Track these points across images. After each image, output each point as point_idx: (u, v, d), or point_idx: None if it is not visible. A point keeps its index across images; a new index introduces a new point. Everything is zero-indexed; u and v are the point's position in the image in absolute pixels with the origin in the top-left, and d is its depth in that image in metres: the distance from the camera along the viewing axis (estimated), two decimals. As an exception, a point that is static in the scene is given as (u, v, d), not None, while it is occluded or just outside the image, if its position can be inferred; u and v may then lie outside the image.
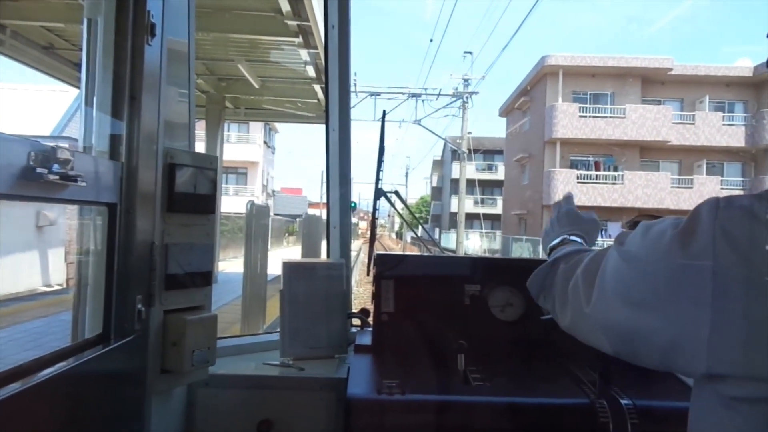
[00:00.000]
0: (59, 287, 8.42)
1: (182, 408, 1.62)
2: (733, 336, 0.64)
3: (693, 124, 26.49)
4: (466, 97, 22.94)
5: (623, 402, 1.36)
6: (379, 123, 2.23)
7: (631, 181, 26.12)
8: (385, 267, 1.85)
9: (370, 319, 1.91)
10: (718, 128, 26.34)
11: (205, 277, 1.49)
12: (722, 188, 25.95)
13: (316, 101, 10.84)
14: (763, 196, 0.68)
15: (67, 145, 1.05)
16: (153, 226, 1.34)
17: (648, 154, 27.36)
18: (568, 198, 1.46)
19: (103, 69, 1.31)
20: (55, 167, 0.98)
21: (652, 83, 27.00)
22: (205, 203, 1.47)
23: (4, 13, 6.70)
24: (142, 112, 1.29)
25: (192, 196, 1.42)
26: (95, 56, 1.33)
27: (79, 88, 1.41)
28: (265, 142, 36.04)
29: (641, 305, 0.76)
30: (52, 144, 0.99)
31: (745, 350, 0.63)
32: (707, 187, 25.91)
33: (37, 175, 0.94)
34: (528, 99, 30.24)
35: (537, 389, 1.49)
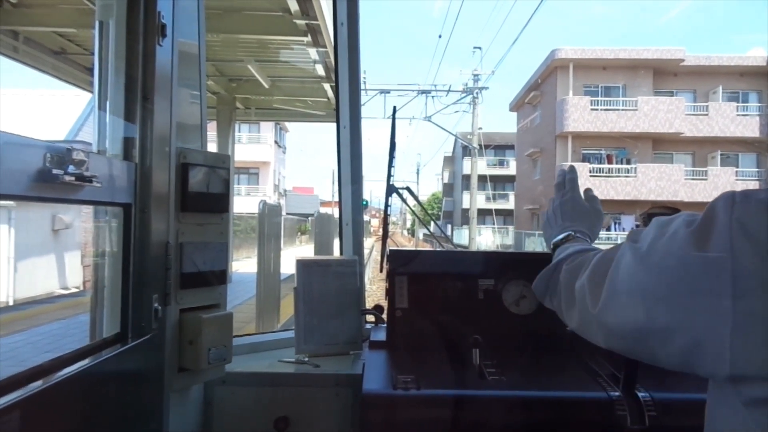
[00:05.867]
0: (77, 290, 8.51)
1: (200, 406, 1.63)
2: (757, 336, 0.61)
3: (706, 115, 26.21)
4: (476, 93, 22.85)
5: (641, 395, 1.35)
6: (390, 120, 2.23)
7: (645, 173, 25.90)
8: (398, 263, 1.85)
9: (385, 316, 1.91)
10: (732, 119, 26.04)
11: (219, 276, 1.50)
12: (737, 179, 25.65)
13: (326, 100, 10.89)
14: None
15: (81, 147, 1.06)
16: (167, 226, 1.35)
17: (661, 146, 27.13)
18: (572, 179, 1.39)
19: (115, 72, 1.32)
20: (71, 168, 0.99)
21: (664, 75, 26.75)
22: (219, 202, 1.48)
23: (16, 19, 6.78)
24: (155, 114, 1.30)
25: (205, 195, 1.43)
26: (107, 59, 1.34)
27: (92, 91, 1.41)
28: (276, 142, 36.14)
29: (658, 304, 0.73)
30: (67, 146, 1.00)
31: None
32: (722, 178, 25.64)
33: (53, 176, 0.95)
34: (538, 93, 30.08)
35: (553, 383, 1.49)
